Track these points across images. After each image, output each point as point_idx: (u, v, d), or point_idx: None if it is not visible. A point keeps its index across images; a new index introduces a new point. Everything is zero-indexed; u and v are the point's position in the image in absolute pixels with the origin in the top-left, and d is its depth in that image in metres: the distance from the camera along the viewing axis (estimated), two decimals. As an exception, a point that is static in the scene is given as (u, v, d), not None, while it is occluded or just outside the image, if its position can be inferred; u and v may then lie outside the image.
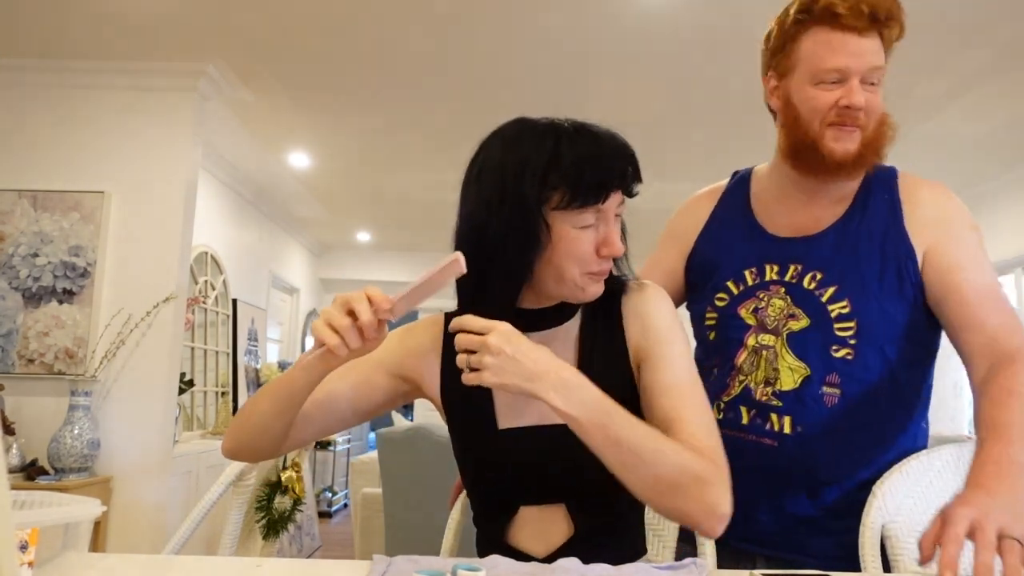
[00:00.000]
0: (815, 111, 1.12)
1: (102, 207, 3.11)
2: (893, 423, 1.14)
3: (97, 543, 2.90)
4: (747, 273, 1.20)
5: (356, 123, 3.88)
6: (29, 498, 0.77)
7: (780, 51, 1.17)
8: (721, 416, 1.16)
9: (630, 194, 0.92)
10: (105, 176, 3.16)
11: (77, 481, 2.77)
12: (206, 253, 4.41)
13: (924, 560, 0.81)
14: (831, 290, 1.14)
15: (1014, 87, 3.32)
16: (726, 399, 1.17)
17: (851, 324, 1.12)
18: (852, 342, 1.12)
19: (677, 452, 0.82)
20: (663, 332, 0.95)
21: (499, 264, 0.89)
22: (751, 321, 1.17)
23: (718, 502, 0.81)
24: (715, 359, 1.21)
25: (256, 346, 5.24)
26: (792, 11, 1.15)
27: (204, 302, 4.38)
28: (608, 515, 0.94)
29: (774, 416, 1.12)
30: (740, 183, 1.32)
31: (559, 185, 0.87)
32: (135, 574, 0.76)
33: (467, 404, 0.98)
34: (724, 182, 1.35)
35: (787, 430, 1.11)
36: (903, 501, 1.06)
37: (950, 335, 1.14)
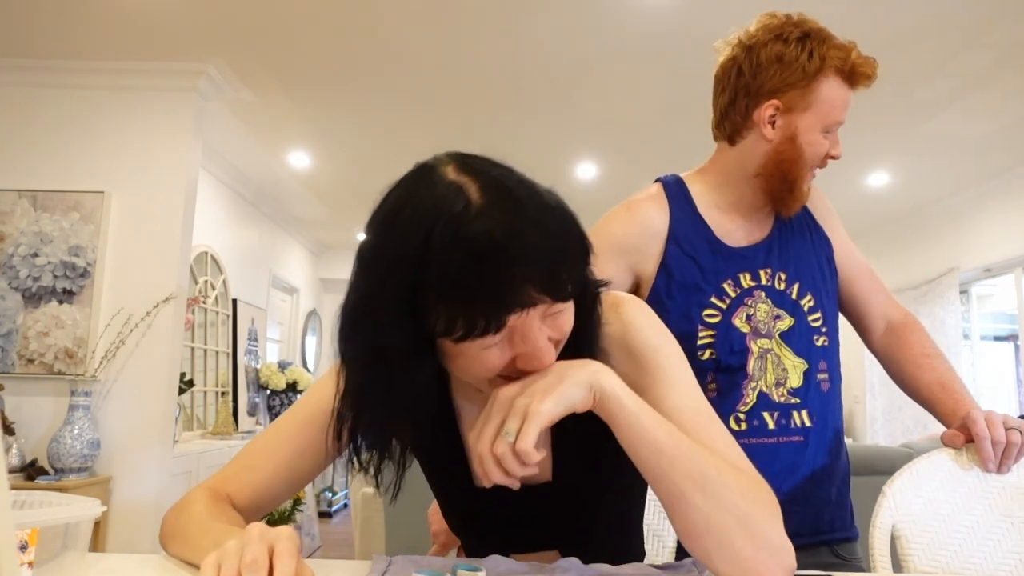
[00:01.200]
0: (817, 157, 1.21)
1: (102, 207, 3.10)
2: (840, 387, 1.32)
3: (97, 543, 2.90)
4: (726, 286, 1.23)
5: (356, 123, 3.88)
6: (29, 498, 0.77)
7: (797, 86, 1.18)
8: (746, 427, 1.19)
9: (563, 298, 0.67)
10: (105, 176, 3.16)
11: (77, 481, 2.77)
12: (206, 253, 4.41)
13: (952, 446, 1.11)
14: (796, 287, 1.25)
15: (1015, 88, 3.32)
16: (744, 409, 1.19)
17: (819, 315, 1.25)
18: (824, 330, 1.25)
19: (742, 477, 0.69)
20: (651, 351, 0.79)
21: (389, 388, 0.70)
22: (745, 329, 1.21)
23: (787, 544, 0.68)
24: (709, 376, 1.21)
25: (256, 346, 5.24)
26: (825, 54, 1.18)
27: (204, 302, 4.38)
28: (606, 552, 0.86)
29: (795, 414, 1.20)
30: (680, 193, 1.28)
31: (434, 305, 0.63)
32: (135, 574, 0.76)
33: (441, 457, 0.87)
34: (655, 191, 1.29)
35: (808, 423, 1.20)
36: (913, 501, 1.07)
37: (849, 305, 1.35)
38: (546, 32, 2.89)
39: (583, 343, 0.75)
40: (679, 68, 3.17)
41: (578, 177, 4.66)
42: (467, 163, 0.67)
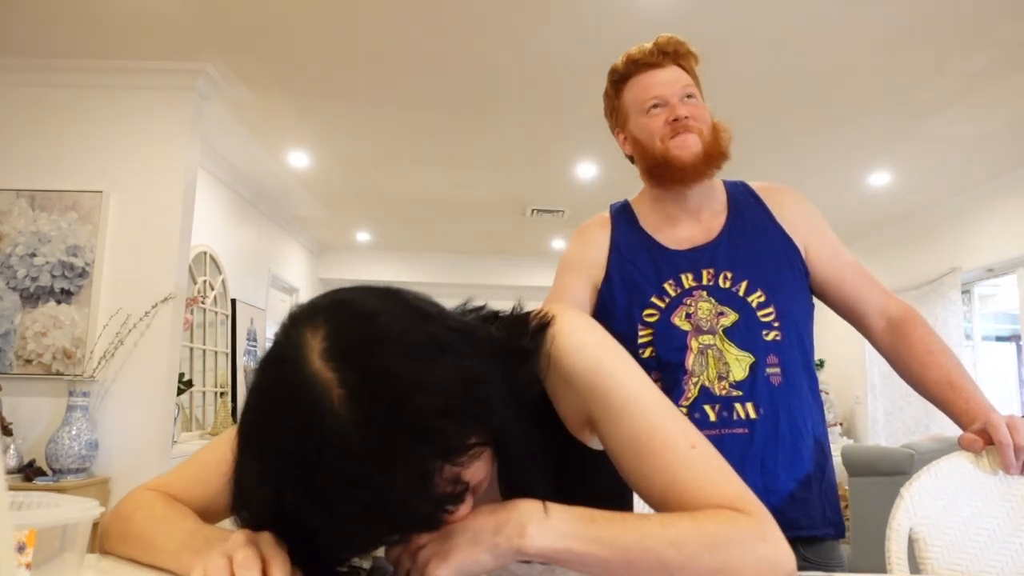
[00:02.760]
0: (652, 132, 1.34)
1: (100, 207, 3.09)
2: (809, 387, 1.31)
3: (95, 544, 2.89)
4: (667, 286, 1.31)
5: (356, 123, 3.87)
6: (27, 499, 0.76)
7: (614, 112, 1.43)
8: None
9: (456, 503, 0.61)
10: (103, 175, 3.15)
11: (75, 482, 2.76)
12: (205, 253, 4.40)
13: (972, 451, 1.07)
14: (744, 284, 1.29)
15: (1014, 89, 3.32)
16: (686, 403, 1.24)
17: (771, 310, 1.28)
18: (776, 324, 1.27)
19: (701, 527, 0.65)
20: (591, 375, 0.71)
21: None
22: (686, 327, 1.28)
23: (776, 559, 0.66)
24: (653, 374, 1.27)
25: (255, 346, 5.23)
26: (608, 81, 1.43)
27: (203, 302, 4.37)
28: None
29: (738, 406, 1.23)
30: (624, 213, 1.44)
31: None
32: (134, 575, 0.76)
33: None
34: (603, 215, 1.46)
35: (753, 415, 1.22)
36: (931, 504, 1.05)
37: (843, 306, 1.36)
38: (546, 33, 2.89)
39: (522, 468, 0.67)
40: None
41: (578, 177, 4.65)
42: (337, 342, 0.57)
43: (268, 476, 0.57)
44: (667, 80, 1.34)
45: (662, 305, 1.29)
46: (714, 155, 1.32)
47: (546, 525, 0.64)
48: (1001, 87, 3.30)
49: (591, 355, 0.72)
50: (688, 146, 1.30)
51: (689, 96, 1.33)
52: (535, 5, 2.71)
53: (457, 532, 0.63)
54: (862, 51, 3.00)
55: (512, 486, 0.69)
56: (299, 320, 0.61)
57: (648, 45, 1.36)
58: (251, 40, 2.98)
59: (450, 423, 0.56)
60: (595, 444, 0.79)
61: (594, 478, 0.80)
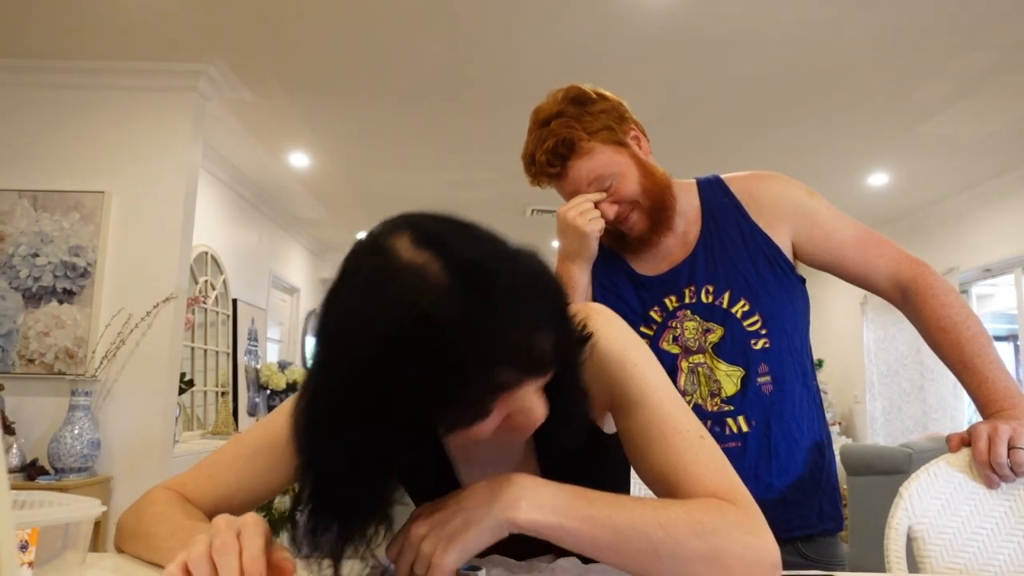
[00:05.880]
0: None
1: (102, 207, 3.10)
2: (804, 387, 1.29)
3: (97, 543, 2.90)
4: (653, 314, 1.31)
5: (356, 123, 3.87)
6: (29, 498, 0.77)
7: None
8: None
9: (545, 373, 0.64)
10: (105, 176, 3.16)
11: (77, 481, 2.77)
12: (206, 253, 4.41)
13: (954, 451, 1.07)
14: (727, 295, 1.28)
15: (1015, 89, 3.32)
16: None
17: (756, 318, 1.26)
18: (763, 332, 1.26)
19: (691, 513, 0.67)
20: (616, 365, 0.77)
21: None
22: (675, 350, 1.29)
23: (763, 550, 0.67)
24: None
25: (256, 346, 5.24)
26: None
27: (204, 302, 4.38)
28: None
29: (730, 420, 1.24)
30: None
31: (408, 409, 0.58)
32: (135, 574, 0.76)
33: (426, 480, 0.84)
34: None
35: (745, 428, 1.24)
36: (930, 503, 1.06)
37: (854, 283, 1.32)
38: (547, 33, 2.89)
39: (567, 398, 0.69)
40: (679, 69, 3.17)
41: (578, 177, 4.65)
42: (425, 233, 0.59)
43: (375, 361, 0.55)
44: (572, 190, 1.29)
45: (651, 333, 1.30)
46: (662, 216, 1.28)
47: (540, 500, 0.66)
48: (1000, 87, 3.30)
49: (620, 346, 0.78)
50: (633, 225, 1.29)
51: (606, 188, 1.27)
52: (536, 5, 2.71)
53: (454, 516, 0.66)
54: (861, 51, 3.00)
55: (548, 434, 0.69)
56: (378, 234, 0.62)
57: (542, 149, 1.28)
58: (253, 41, 2.99)
59: (548, 288, 0.62)
60: (608, 428, 0.83)
61: (600, 462, 0.83)
